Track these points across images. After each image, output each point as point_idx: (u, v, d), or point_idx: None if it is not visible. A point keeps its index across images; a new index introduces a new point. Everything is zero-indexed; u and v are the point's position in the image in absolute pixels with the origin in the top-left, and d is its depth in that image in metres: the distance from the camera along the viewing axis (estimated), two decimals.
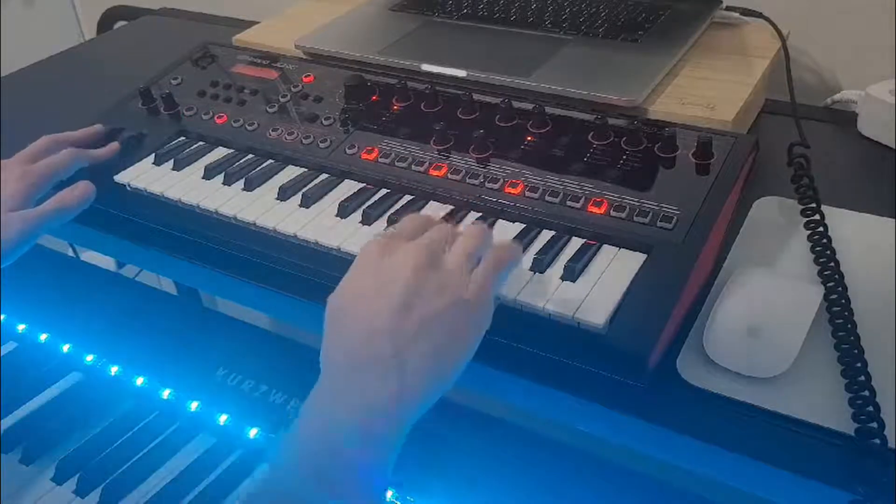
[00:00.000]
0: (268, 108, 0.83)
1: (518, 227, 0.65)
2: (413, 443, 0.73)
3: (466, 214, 0.67)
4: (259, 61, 0.91)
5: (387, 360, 0.47)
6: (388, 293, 0.49)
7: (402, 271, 0.50)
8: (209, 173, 0.76)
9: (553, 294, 0.57)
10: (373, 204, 0.69)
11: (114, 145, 0.81)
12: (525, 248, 0.62)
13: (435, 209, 0.68)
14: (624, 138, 0.70)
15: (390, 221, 0.66)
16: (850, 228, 0.65)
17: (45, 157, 0.75)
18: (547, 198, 0.66)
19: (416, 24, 0.95)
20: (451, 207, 0.68)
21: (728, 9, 0.91)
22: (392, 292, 0.49)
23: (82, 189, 0.72)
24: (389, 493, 0.73)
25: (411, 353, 0.48)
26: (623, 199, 0.64)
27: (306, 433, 0.49)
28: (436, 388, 0.49)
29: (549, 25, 0.91)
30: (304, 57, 0.93)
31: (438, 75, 0.84)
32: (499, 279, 0.53)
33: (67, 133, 0.80)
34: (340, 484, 0.46)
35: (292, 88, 0.84)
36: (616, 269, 0.59)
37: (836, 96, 0.85)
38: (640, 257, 0.60)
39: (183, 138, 0.82)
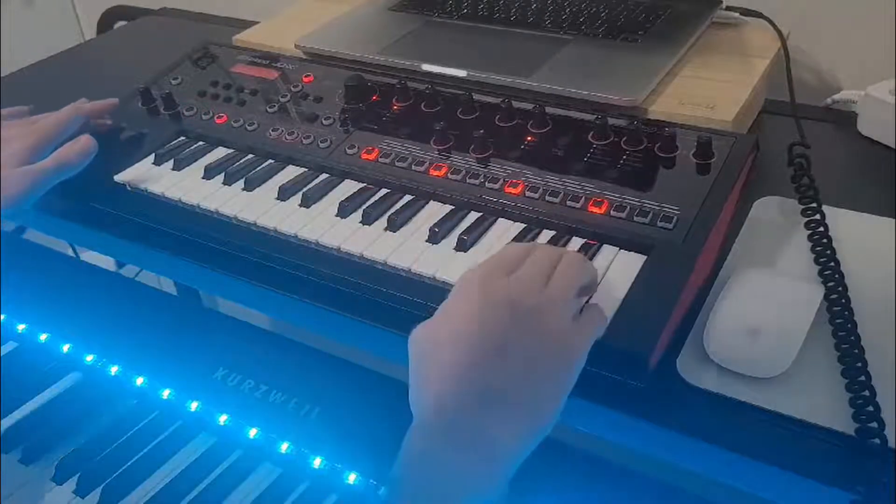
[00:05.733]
0: (268, 108, 0.83)
1: (518, 226, 0.65)
2: None
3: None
4: (259, 61, 0.91)
5: (483, 414, 0.45)
6: (482, 340, 0.46)
7: (495, 309, 0.47)
8: (209, 173, 0.76)
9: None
10: (373, 204, 0.69)
11: (113, 100, 0.82)
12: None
13: (436, 209, 0.68)
14: (624, 138, 0.70)
15: (390, 221, 0.66)
16: (850, 228, 0.65)
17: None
18: (547, 198, 0.66)
19: (416, 24, 0.95)
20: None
21: (728, 9, 0.91)
22: (489, 339, 0.46)
23: (83, 143, 0.72)
24: None
25: (507, 404, 0.45)
26: (623, 198, 0.64)
27: (408, 485, 0.46)
28: (533, 437, 0.47)
29: (549, 25, 0.91)
30: (304, 57, 0.93)
31: (438, 75, 0.84)
32: (602, 324, 0.52)
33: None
34: None
35: (292, 88, 0.84)
36: (616, 270, 0.59)
37: (836, 96, 0.85)
38: (640, 257, 0.60)
39: (183, 138, 0.82)
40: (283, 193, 0.71)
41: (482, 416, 0.45)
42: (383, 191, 0.71)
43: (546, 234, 0.64)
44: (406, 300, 0.61)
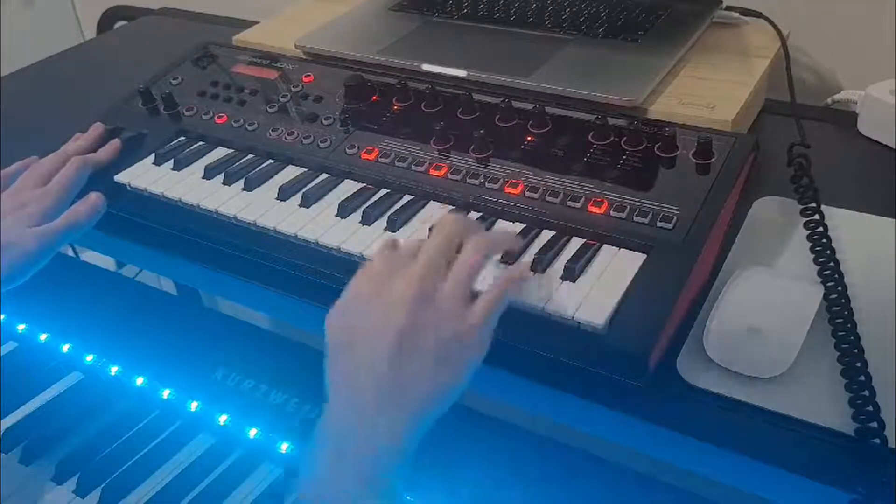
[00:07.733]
0: (268, 108, 0.83)
1: (518, 226, 0.65)
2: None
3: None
4: (259, 61, 0.91)
5: (384, 397, 0.50)
6: (383, 331, 0.51)
7: (396, 309, 0.51)
8: (209, 173, 0.76)
9: (553, 294, 0.57)
10: (373, 204, 0.69)
11: (115, 143, 0.81)
12: (525, 248, 0.62)
13: (435, 209, 0.68)
14: (624, 138, 0.70)
15: (390, 221, 0.66)
16: (850, 228, 0.65)
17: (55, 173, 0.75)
18: (547, 198, 0.66)
19: (416, 24, 0.95)
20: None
21: (728, 9, 0.91)
22: (387, 331, 0.51)
23: (93, 201, 0.72)
24: None
25: (406, 388, 0.51)
26: (623, 198, 0.64)
27: (319, 462, 0.51)
28: (428, 417, 0.51)
29: (549, 25, 0.91)
30: (304, 57, 0.93)
31: (438, 75, 0.84)
32: (496, 311, 0.53)
33: (76, 144, 0.80)
34: None
35: (292, 88, 0.84)
36: (616, 269, 0.59)
37: (836, 96, 0.85)
38: (640, 257, 0.60)
39: (183, 138, 0.82)
40: (283, 193, 0.71)
41: (381, 410, 0.50)
42: (383, 191, 0.71)
43: (546, 234, 0.64)
44: None
